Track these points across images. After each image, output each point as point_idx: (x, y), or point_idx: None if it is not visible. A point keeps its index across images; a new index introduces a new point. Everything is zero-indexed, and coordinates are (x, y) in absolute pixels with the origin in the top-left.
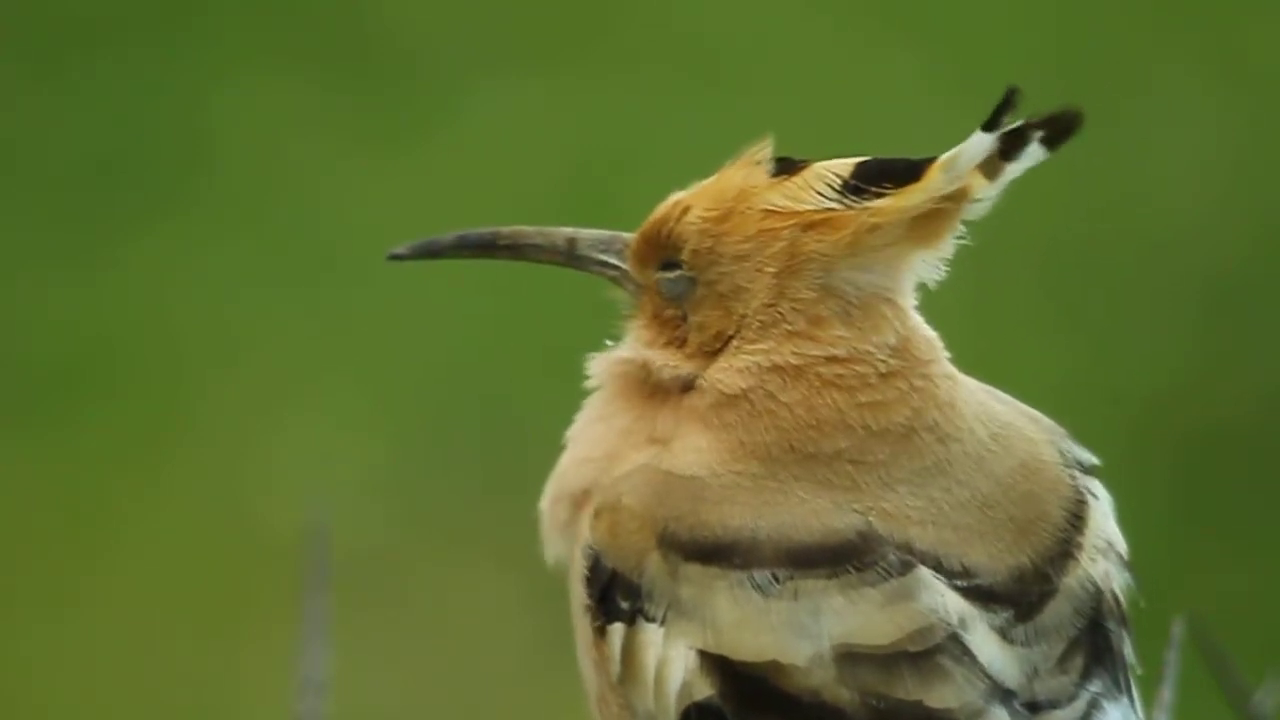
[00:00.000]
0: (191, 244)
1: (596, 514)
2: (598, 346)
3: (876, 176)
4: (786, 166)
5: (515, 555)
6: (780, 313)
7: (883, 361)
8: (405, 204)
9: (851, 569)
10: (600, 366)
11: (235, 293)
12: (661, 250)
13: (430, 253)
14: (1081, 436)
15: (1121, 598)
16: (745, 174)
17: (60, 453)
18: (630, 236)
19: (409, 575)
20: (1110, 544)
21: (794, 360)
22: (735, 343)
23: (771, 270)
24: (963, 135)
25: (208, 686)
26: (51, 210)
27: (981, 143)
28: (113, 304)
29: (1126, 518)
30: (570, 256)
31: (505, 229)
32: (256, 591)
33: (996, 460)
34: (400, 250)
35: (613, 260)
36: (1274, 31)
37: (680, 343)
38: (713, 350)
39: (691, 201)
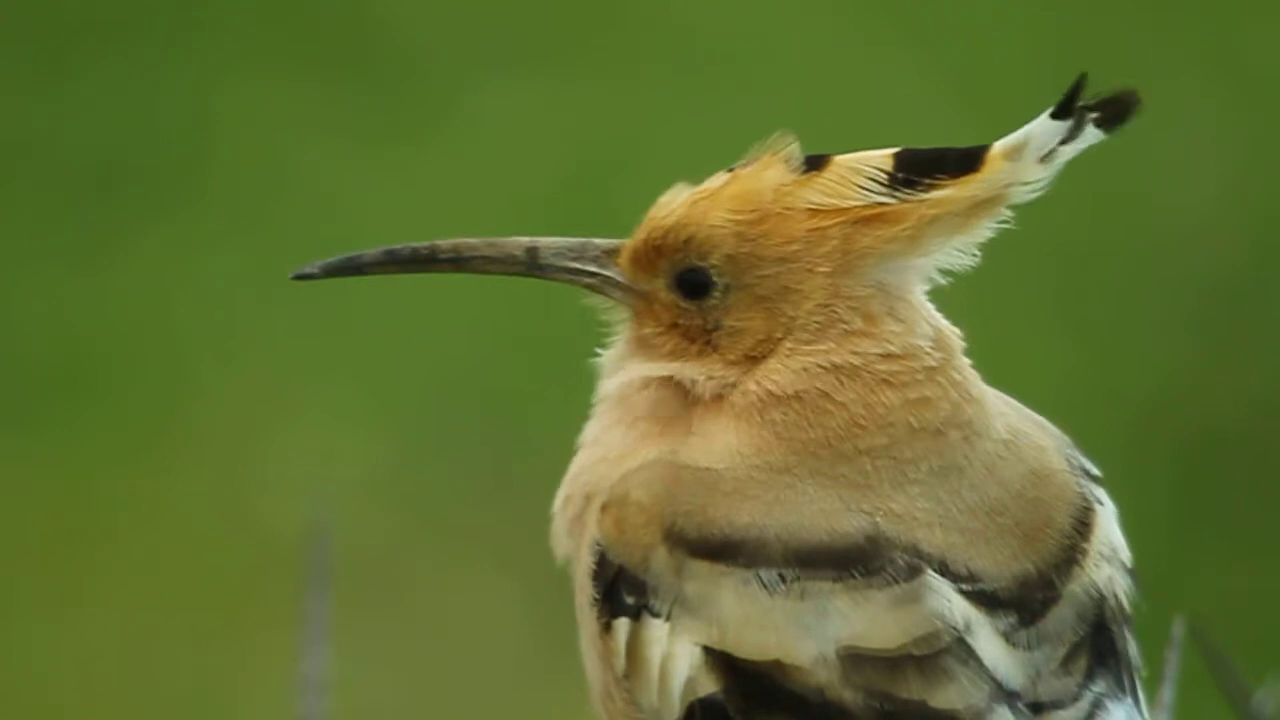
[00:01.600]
0: (192, 244)
1: (604, 509)
2: (598, 346)
3: (926, 167)
4: (812, 163)
5: (515, 556)
6: (837, 312)
7: (928, 355)
8: (406, 204)
9: (857, 573)
10: (626, 385)
11: (236, 293)
12: (675, 256)
13: (353, 268)
14: (1081, 436)
15: (1125, 601)
16: (771, 173)
17: (60, 452)
18: (605, 243)
19: (409, 575)
20: (1115, 551)
21: (853, 360)
22: (788, 345)
23: (825, 270)
24: (961, 134)
25: (208, 686)
26: (52, 210)
27: (1051, 129)
28: (113, 304)
29: (1126, 518)
30: (532, 266)
31: (447, 241)
32: (257, 591)
33: (1008, 466)
34: (308, 269)
35: (589, 268)
36: (1274, 32)
37: (713, 349)
38: (756, 354)
39: (710, 204)
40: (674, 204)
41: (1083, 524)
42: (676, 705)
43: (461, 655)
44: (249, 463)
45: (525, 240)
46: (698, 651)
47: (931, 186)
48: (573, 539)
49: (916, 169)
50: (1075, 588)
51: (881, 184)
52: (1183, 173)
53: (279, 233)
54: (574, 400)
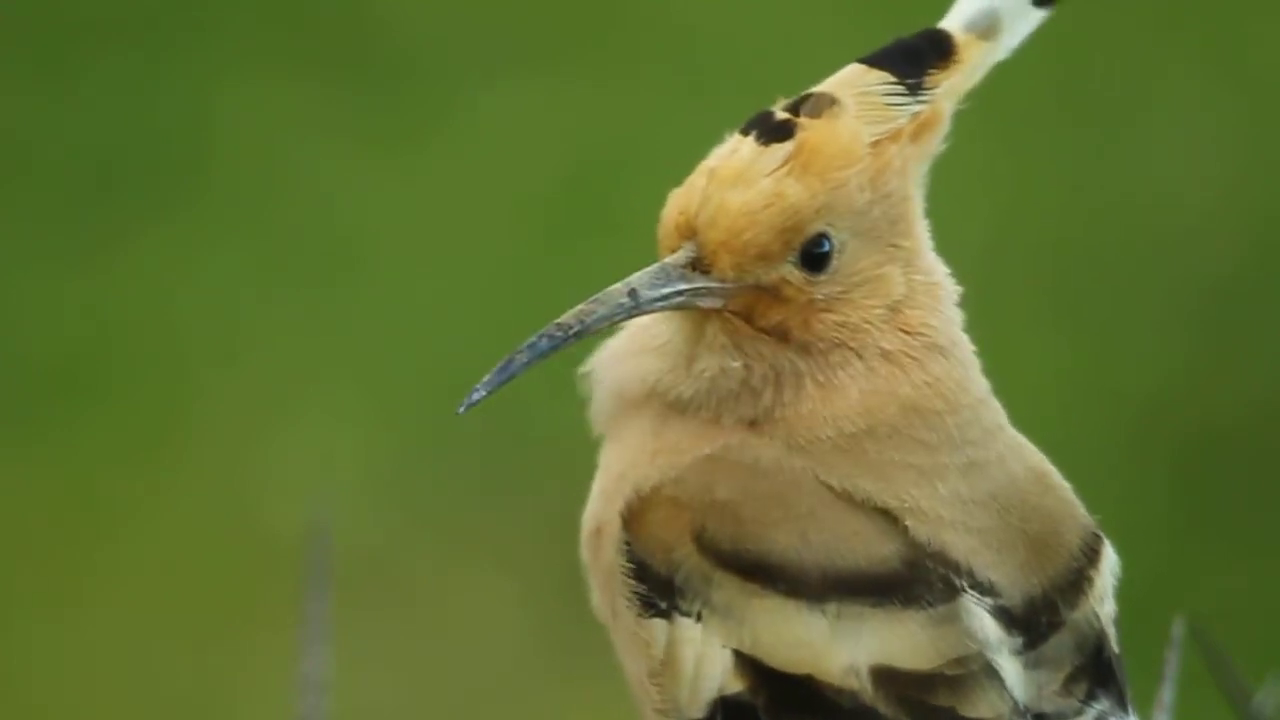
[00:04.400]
0: (192, 245)
1: (636, 505)
2: (599, 345)
3: (918, 65)
4: (806, 107)
5: (515, 556)
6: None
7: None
8: (405, 204)
9: (897, 601)
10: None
11: (236, 293)
12: (808, 230)
13: (508, 377)
14: (1081, 436)
15: (1115, 643)
16: (844, 121)
17: (60, 452)
18: (677, 258)
19: (409, 575)
20: (1104, 596)
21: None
22: (919, 281)
23: (907, 194)
24: (963, 132)
25: (208, 687)
26: (52, 210)
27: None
28: (113, 304)
29: (1126, 518)
30: (636, 307)
31: (568, 316)
32: (257, 592)
33: (1016, 462)
34: (475, 396)
35: (678, 286)
36: (1275, 31)
37: (825, 324)
38: (885, 310)
39: (818, 165)
40: (757, 187)
41: (1092, 550)
42: (704, 703)
43: (461, 655)
44: (249, 463)
45: (622, 286)
46: (727, 654)
47: (933, 81)
48: (597, 540)
49: (914, 70)
50: (1078, 616)
51: (904, 95)
52: (1183, 173)
53: (279, 233)
54: (573, 400)
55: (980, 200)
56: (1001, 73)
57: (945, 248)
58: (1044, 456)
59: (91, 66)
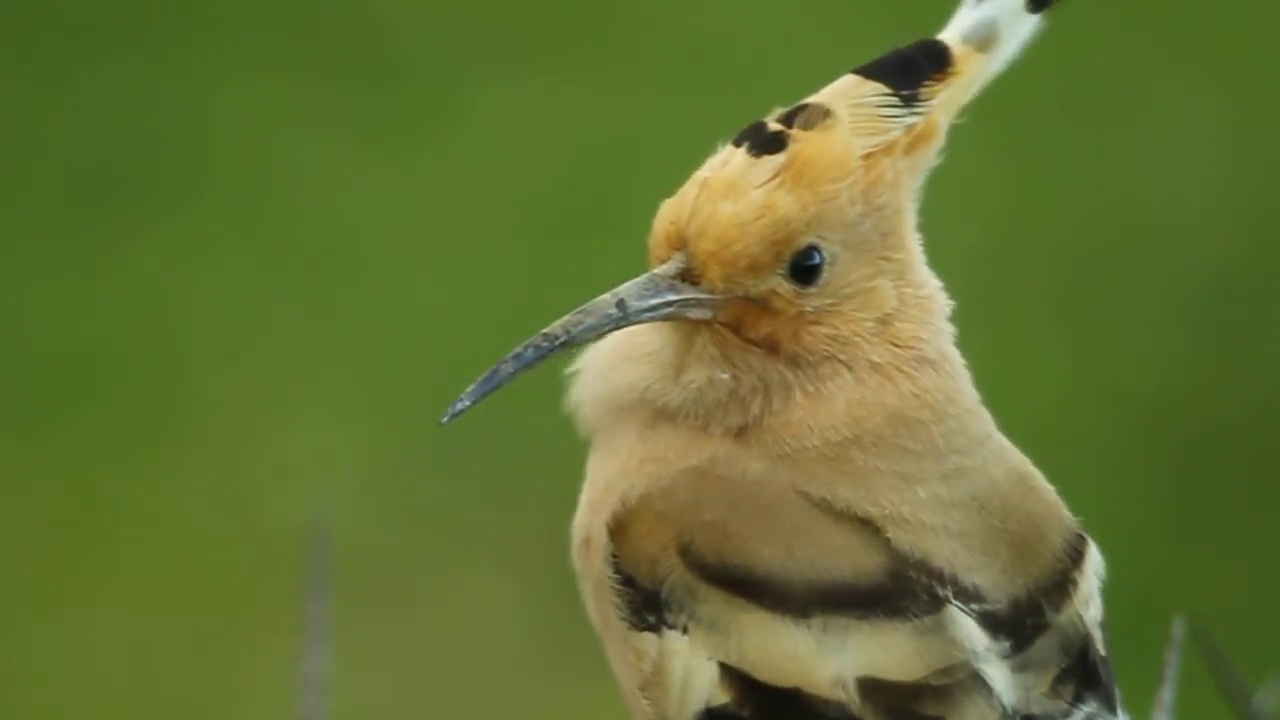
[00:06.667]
0: (193, 244)
1: (622, 517)
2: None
3: (914, 76)
4: (799, 119)
5: (516, 556)
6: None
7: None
8: (406, 204)
9: (882, 614)
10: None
11: (236, 293)
12: (798, 242)
13: (494, 387)
14: (1081, 436)
15: (1101, 645)
16: (836, 133)
17: (60, 452)
18: (666, 269)
19: (409, 575)
20: (1090, 599)
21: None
22: (909, 293)
23: (900, 207)
24: (963, 132)
25: (208, 687)
26: (52, 211)
27: (1015, 9)
28: (113, 304)
29: (1126, 518)
30: (624, 317)
31: (554, 327)
32: (257, 592)
33: (996, 463)
34: (460, 405)
35: (667, 297)
36: (1274, 31)
37: (814, 336)
38: (877, 322)
39: (810, 177)
40: (748, 199)
41: (1076, 551)
42: (692, 715)
43: (461, 656)
44: (249, 463)
45: (610, 297)
46: (713, 666)
47: (929, 93)
48: (586, 550)
49: (910, 81)
50: (1062, 618)
51: (899, 107)
52: (1183, 172)
53: (279, 233)
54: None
55: (980, 200)
56: (1001, 73)
57: (945, 248)
58: (1027, 460)
59: (91, 66)
